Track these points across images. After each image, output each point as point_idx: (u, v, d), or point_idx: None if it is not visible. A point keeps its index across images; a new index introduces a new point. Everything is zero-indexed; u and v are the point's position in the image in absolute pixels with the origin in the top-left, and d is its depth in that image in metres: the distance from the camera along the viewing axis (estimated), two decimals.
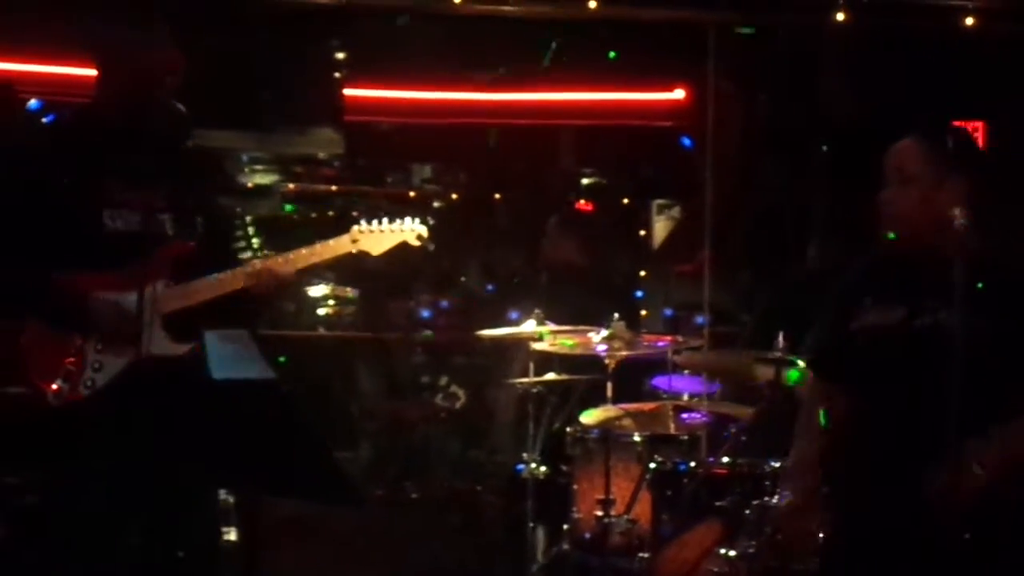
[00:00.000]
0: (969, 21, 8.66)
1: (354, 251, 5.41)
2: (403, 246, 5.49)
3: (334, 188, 10.14)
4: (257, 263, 5.25)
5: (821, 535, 5.64)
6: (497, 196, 10.86)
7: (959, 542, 4.26)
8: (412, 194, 10.47)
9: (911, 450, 4.35)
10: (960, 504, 4.19)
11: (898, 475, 4.42)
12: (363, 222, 5.46)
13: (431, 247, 5.62)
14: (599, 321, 7.34)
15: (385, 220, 5.48)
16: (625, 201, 10.67)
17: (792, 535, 4.94)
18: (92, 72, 5.16)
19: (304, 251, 5.33)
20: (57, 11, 8.08)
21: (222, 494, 6.23)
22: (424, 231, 5.51)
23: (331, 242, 5.38)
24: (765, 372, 6.65)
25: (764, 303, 8.80)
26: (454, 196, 10.66)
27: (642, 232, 10.61)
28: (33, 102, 7.20)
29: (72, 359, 4.91)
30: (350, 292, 10.14)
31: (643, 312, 9.47)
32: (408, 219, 5.49)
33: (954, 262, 4.23)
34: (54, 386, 4.89)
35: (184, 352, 4.91)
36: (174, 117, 4.95)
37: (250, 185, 9.93)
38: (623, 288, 9.57)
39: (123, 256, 4.91)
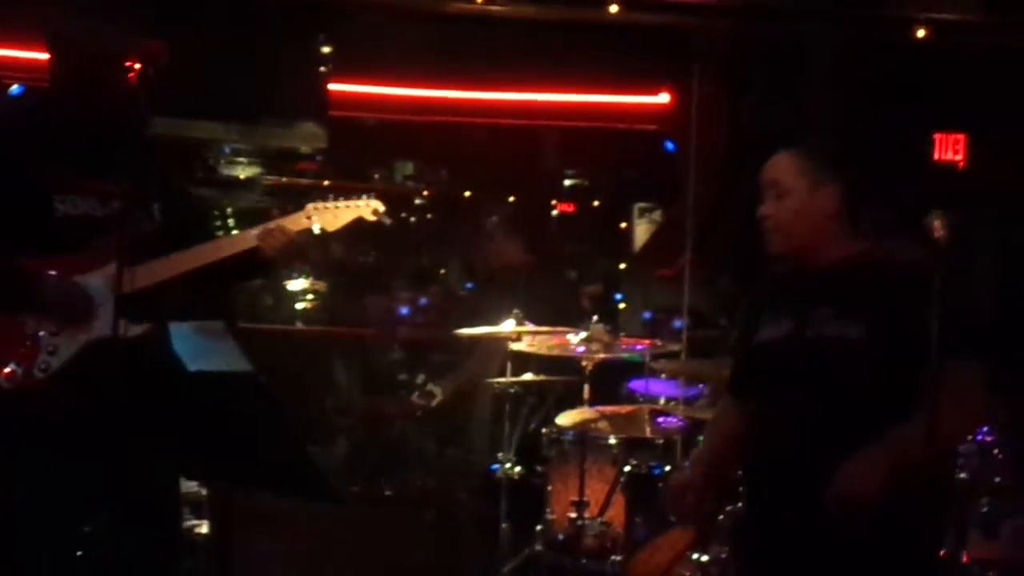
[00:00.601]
0: (921, 33, 8.70)
1: (310, 227, 5.34)
2: (360, 222, 5.46)
3: (316, 182, 10.10)
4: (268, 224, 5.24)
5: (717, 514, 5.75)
6: (478, 194, 10.83)
7: (855, 541, 4.29)
8: (403, 189, 10.44)
9: (806, 455, 4.36)
10: (855, 508, 4.19)
11: (796, 476, 4.43)
12: (319, 200, 5.42)
13: (388, 221, 5.61)
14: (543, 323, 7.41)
15: (341, 197, 5.46)
16: (596, 204, 10.65)
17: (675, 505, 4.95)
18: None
19: (257, 229, 5.26)
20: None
21: (194, 486, 6.21)
22: (381, 206, 5.48)
23: (288, 218, 5.34)
24: None
25: (745, 308, 8.79)
26: (436, 193, 10.63)
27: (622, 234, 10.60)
28: (15, 88, 7.15)
29: (25, 342, 4.85)
30: (327, 287, 10.11)
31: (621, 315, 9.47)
32: (364, 196, 5.48)
33: (833, 271, 4.42)
34: (7, 370, 4.81)
35: (140, 333, 4.84)
36: (129, 105, 4.90)
37: (232, 176, 9.89)
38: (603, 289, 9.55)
39: (75, 241, 4.89)
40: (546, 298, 8.79)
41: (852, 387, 4.30)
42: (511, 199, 10.41)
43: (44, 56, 5.23)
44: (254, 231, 5.20)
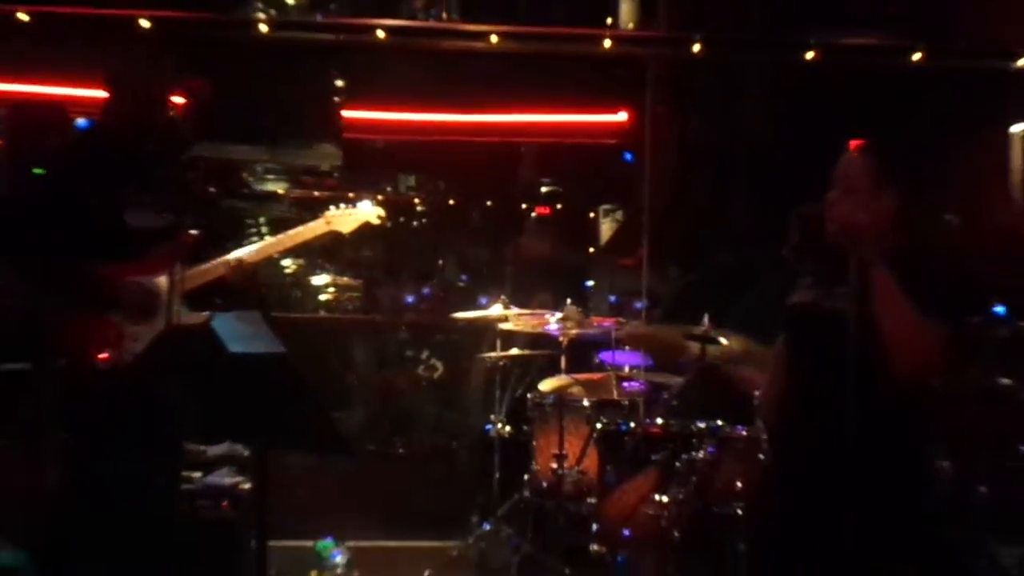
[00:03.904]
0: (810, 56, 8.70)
1: (329, 230, 5.58)
2: (368, 227, 5.70)
3: (333, 194, 10.09)
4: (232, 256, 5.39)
5: (740, 484, 5.67)
6: (469, 201, 10.83)
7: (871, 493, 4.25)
8: (415, 200, 10.44)
9: (824, 404, 4.33)
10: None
11: (813, 424, 4.41)
12: (332, 208, 5.64)
13: (388, 224, 5.87)
14: (557, 302, 7.42)
15: (352, 206, 5.66)
16: (568, 206, 10.64)
17: (712, 481, 4.92)
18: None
19: (291, 232, 5.53)
20: (96, 44, 8.10)
21: (238, 448, 6.23)
22: (382, 212, 5.74)
23: (310, 224, 5.57)
24: (692, 348, 6.65)
25: (679, 286, 8.82)
26: (434, 201, 10.62)
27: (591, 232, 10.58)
28: (81, 121, 7.15)
29: (114, 333, 5.04)
30: (348, 280, 10.10)
31: (591, 298, 9.45)
32: (368, 203, 5.70)
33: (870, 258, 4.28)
34: (105, 355, 5.02)
35: (202, 322, 4.88)
36: (175, 133, 5.02)
37: (263, 191, 9.89)
38: (575, 277, 9.53)
39: (140, 248, 5.06)
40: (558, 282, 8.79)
41: (864, 356, 4.19)
42: (529, 207, 10.39)
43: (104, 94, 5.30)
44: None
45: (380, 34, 8.56)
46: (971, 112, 8.81)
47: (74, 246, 5.01)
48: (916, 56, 8.60)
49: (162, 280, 5.10)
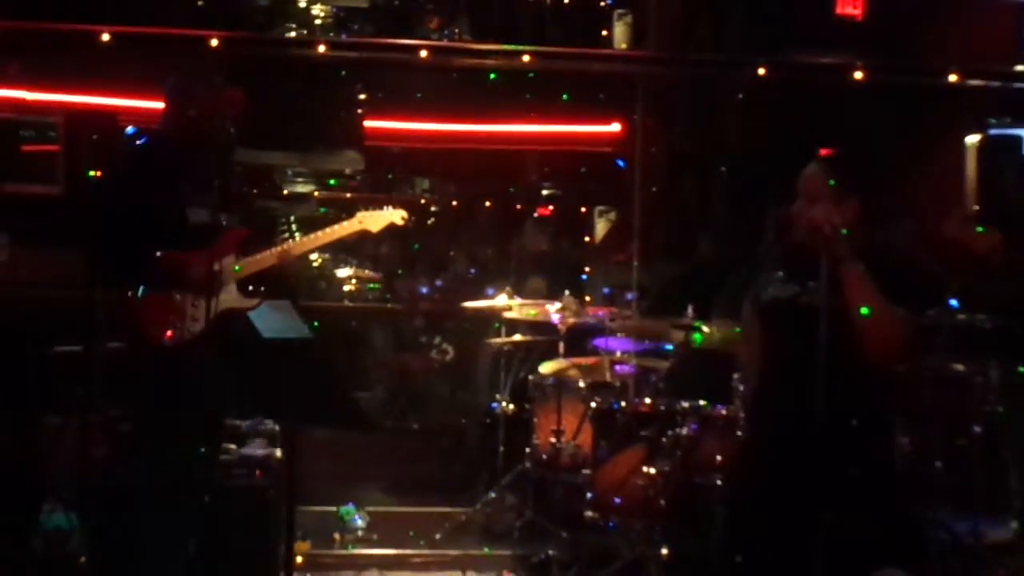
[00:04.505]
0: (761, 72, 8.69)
1: (361, 228, 5.84)
2: (392, 225, 5.95)
3: (356, 195, 10.10)
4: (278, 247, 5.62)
5: (720, 458, 5.67)
6: (478, 202, 10.82)
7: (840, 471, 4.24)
8: (421, 201, 10.43)
9: (798, 387, 4.30)
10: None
11: (788, 404, 4.39)
12: (363, 210, 5.94)
13: (411, 225, 6.16)
14: (551, 289, 7.44)
15: (380, 209, 5.97)
16: (574, 207, 10.62)
17: (695, 455, 4.91)
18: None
19: (327, 230, 5.74)
20: (145, 60, 8.10)
21: (270, 423, 6.23)
22: (405, 214, 6.00)
23: (345, 223, 5.81)
24: (677, 335, 6.64)
25: (662, 282, 8.81)
26: (447, 202, 10.61)
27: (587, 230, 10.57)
28: (130, 128, 7.14)
29: (178, 313, 5.14)
30: (368, 273, 10.09)
31: (587, 290, 9.43)
32: (389, 207, 5.99)
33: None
34: (168, 333, 5.12)
35: (252, 306, 5.08)
36: (225, 140, 5.12)
37: (293, 193, 9.88)
38: (572, 271, 9.51)
39: (200, 241, 5.14)
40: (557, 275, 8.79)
41: (834, 344, 4.17)
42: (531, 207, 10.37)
43: (160, 105, 5.38)
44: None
45: (423, 53, 8.55)
46: (928, 124, 8.80)
47: (144, 238, 5.11)
48: (858, 75, 8.63)
49: (228, 261, 5.27)
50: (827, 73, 8.80)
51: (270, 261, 5.49)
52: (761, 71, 8.71)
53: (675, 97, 9.62)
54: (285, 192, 9.93)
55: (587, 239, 10.36)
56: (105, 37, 8.13)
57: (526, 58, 8.75)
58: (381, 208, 5.95)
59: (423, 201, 10.52)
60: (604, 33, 9.20)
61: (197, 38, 8.19)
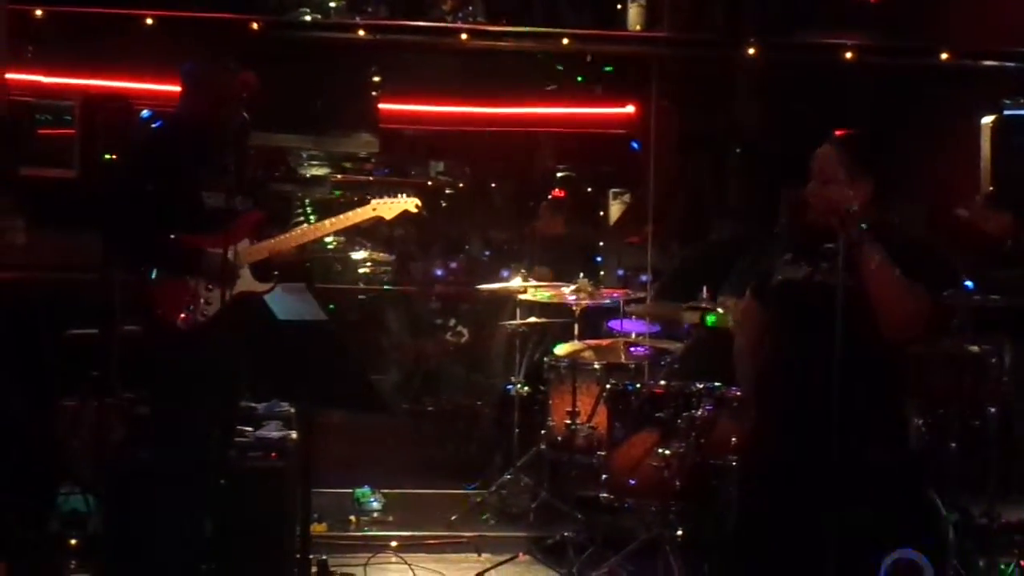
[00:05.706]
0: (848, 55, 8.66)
1: (375, 215, 5.75)
2: (406, 213, 5.86)
3: (370, 178, 10.09)
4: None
5: (734, 439, 5.64)
6: (493, 185, 10.81)
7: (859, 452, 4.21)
8: (429, 183, 10.41)
9: (811, 368, 4.28)
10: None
11: (799, 384, 4.37)
12: (378, 197, 5.84)
13: (425, 213, 6.09)
14: (572, 275, 7.42)
15: (396, 194, 5.88)
16: (589, 189, 10.62)
17: (709, 436, 4.87)
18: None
19: (341, 216, 5.68)
20: (160, 45, 8.11)
21: (286, 405, 6.23)
22: (419, 202, 5.90)
23: (358, 210, 5.73)
24: (691, 317, 6.63)
25: (676, 263, 8.80)
26: (461, 185, 10.60)
27: (601, 213, 10.56)
28: (144, 112, 7.14)
29: (192, 296, 5.13)
30: (383, 255, 10.09)
31: (601, 272, 9.42)
32: (403, 195, 5.88)
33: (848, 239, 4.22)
34: (182, 315, 5.11)
35: (266, 290, 5.10)
36: (240, 124, 5.09)
37: (308, 175, 9.88)
38: (587, 253, 9.49)
39: (214, 224, 5.09)
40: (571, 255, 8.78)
41: (848, 324, 4.13)
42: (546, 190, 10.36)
43: (174, 88, 5.38)
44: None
45: (464, 36, 8.60)
46: (942, 104, 8.76)
47: (159, 221, 5.11)
48: (848, 55, 8.60)
49: (243, 245, 5.25)
50: (818, 53, 8.78)
51: (287, 245, 5.45)
52: (752, 51, 8.70)
53: (688, 80, 9.60)
54: (300, 175, 9.92)
55: (601, 221, 10.36)
56: (148, 21, 8.20)
57: (565, 41, 8.75)
58: (395, 195, 5.87)
59: (436, 183, 10.50)
60: (618, 6, 9.16)
61: (239, 22, 8.27)
